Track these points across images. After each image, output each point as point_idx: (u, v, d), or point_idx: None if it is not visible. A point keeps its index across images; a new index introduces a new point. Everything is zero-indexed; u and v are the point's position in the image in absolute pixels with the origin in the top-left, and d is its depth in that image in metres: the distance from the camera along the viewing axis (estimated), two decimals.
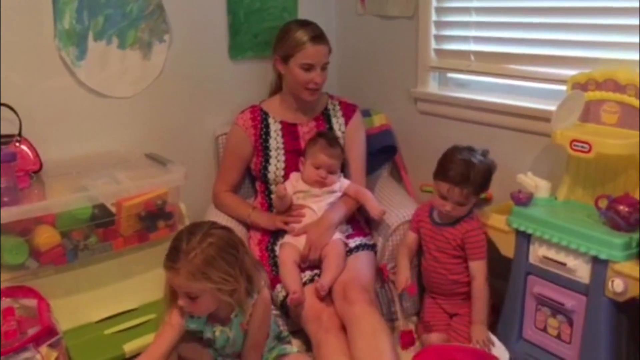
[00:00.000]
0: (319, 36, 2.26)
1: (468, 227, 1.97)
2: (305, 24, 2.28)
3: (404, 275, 2.02)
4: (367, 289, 2.01)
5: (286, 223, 2.19)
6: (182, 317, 1.70)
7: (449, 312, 2.08)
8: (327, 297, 2.01)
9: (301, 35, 2.24)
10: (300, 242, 2.13)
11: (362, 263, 2.14)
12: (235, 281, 1.61)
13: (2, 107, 2.05)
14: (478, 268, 1.97)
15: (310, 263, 2.12)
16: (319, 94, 2.32)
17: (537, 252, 1.84)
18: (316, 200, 2.19)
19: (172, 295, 1.67)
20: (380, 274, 2.19)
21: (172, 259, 1.58)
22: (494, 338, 1.94)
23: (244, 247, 1.69)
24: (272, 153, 2.32)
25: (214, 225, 1.68)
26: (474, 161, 1.92)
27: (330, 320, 1.94)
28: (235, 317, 1.72)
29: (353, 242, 2.21)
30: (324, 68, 2.26)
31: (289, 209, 2.22)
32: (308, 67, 2.23)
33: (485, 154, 1.97)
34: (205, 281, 1.56)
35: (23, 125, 2.07)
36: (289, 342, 1.89)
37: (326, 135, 2.27)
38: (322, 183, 2.19)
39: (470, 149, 1.97)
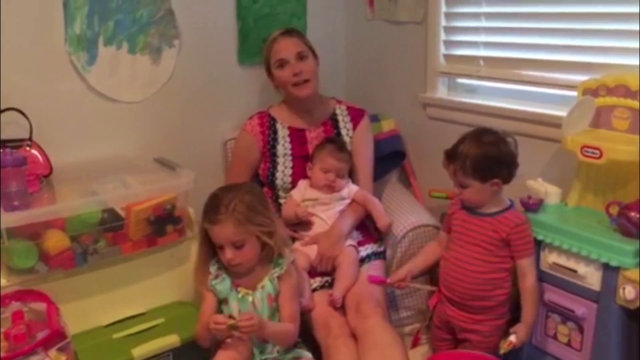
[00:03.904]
0: (285, 31, 2.31)
1: (516, 220, 1.81)
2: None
3: (405, 270, 1.99)
4: (380, 303, 1.99)
5: (295, 231, 2.19)
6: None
7: (460, 329, 1.93)
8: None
9: (270, 38, 2.31)
10: (311, 249, 2.12)
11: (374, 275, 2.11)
12: (273, 223, 1.78)
13: (13, 112, 2.06)
14: (528, 265, 1.81)
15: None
16: (313, 88, 2.28)
17: (548, 259, 1.83)
18: (325, 209, 2.18)
19: (204, 262, 1.82)
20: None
21: (215, 212, 1.73)
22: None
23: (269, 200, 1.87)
24: (280, 159, 2.32)
25: (244, 183, 1.95)
26: (474, 141, 1.79)
27: (340, 327, 1.92)
28: (261, 287, 1.80)
29: (364, 251, 2.19)
30: (300, 58, 2.25)
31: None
32: (281, 63, 2.26)
33: (503, 139, 1.81)
34: (250, 225, 1.73)
35: (33, 130, 2.08)
36: (302, 348, 1.89)
37: (334, 140, 2.28)
38: (330, 187, 2.19)
39: (488, 131, 1.83)
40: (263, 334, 1.74)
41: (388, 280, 2.03)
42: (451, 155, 1.83)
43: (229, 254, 1.74)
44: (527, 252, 1.82)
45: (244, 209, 1.72)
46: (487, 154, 1.78)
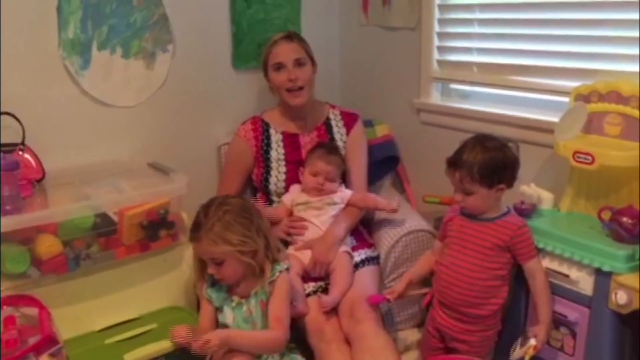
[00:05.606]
0: (286, 36, 2.30)
1: (518, 223, 1.81)
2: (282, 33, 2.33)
3: (403, 283, 1.99)
4: (374, 308, 1.99)
5: (288, 234, 2.19)
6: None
7: (450, 338, 1.92)
8: (330, 309, 1.99)
9: (271, 40, 2.30)
10: (305, 255, 2.11)
11: (368, 280, 2.12)
12: (254, 242, 1.75)
13: (6, 116, 2.05)
14: (536, 266, 1.80)
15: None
16: (306, 97, 2.28)
17: None
18: (318, 214, 2.17)
19: (201, 272, 1.83)
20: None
21: (194, 230, 1.75)
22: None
23: (258, 213, 1.82)
24: (273, 164, 2.32)
25: (227, 196, 1.89)
26: (479, 147, 1.78)
27: (333, 332, 1.92)
28: (254, 294, 1.79)
29: (358, 256, 2.18)
30: (298, 65, 2.25)
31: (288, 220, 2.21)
32: (279, 67, 2.26)
33: (505, 144, 1.82)
34: (225, 245, 1.71)
35: (26, 134, 2.08)
36: (296, 353, 1.88)
37: (325, 145, 2.28)
38: (319, 190, 2.18)
39: (489, 137, 1.83)
40: (233, 346, 1.73)
41: (387, 297, 2.01)
42: (455, 163, 1.81)
43: (211, 269, 1.77)
44: (532, 253, 1.82)
45: (220, 230, 1.71)
46: (494, 160, 1.78)
